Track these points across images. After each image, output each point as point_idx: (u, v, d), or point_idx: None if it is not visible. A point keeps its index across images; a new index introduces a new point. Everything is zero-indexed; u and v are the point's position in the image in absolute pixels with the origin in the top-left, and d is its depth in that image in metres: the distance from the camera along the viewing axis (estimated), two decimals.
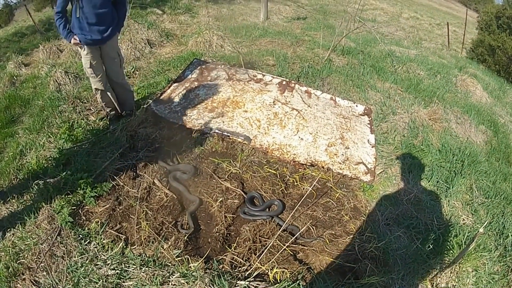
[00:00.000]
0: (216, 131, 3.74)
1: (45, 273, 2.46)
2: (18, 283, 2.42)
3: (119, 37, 5.33)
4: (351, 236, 2.97)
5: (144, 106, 4.09)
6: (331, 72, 5.35)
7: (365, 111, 4.47)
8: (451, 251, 2.97)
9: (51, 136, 3.87)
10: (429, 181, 3.73)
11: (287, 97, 4.28)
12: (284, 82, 4.54)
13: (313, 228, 3.01)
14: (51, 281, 2.40)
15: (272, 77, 4.65)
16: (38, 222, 2.81)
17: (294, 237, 2.82)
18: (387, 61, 6.32)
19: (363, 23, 6.12)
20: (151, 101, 4.16)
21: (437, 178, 3.77)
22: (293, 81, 4.63)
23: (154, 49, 5.84)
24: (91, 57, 3.51)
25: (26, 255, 2.57)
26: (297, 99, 4.29)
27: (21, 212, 2.93)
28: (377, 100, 4.89)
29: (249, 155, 3.62)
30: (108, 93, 3.80)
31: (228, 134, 3.71)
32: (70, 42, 3.40)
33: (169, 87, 4.44)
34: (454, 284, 2.75)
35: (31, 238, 2.69)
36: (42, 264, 2.51)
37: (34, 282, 2.41)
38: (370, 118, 4.36)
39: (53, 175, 3.23)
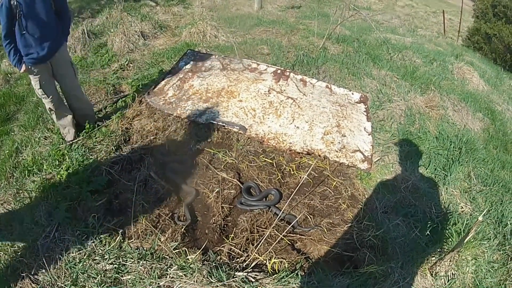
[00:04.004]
0: (211, 121, 3.71)
1: (43, 271, 2.44)
2: (19, 282, 2.40)
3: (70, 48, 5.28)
4: (349, 225, 2.97)
5: (138, 98, 4.03)
6: (326, 60, 5.30)
7: (361, 99, 4.44)
8: (450, 239, 2.98)
9: (46, 132, 3.82)
10: (426, 169, 3.72)
11: (282, 86, 4.24)
12: (279, 71, 4.50)
13: (310, 217, 3.01)
14: (50, 278, 2.40)
15: (267, 66, 4.61)
16: (35, 219, 2.78)
17: (291, 225, 2.81)
18: (382, 49, 6.25)
19: (357, 10, 6.05)
20: (145, 93, 4.10)
21: (434, 165, 3.77)
22: (288, 70, 4.59)
23: (147, 41, 5.76)
24: (40, 77, 3.26)
25: (25, 253, 2.56)
26: (292, 87, 4.25)
27: (18, 209, 2.90)
28: (373, 88, 4.85)
29: (245, 144, 3.59)
30: (64, 114, 3.59)
31: (223, 124, 3.68)
32: (20, 71, 3.17)
33: (163, 79, 4.39)
34: (453, 273, 2.75)
35: (29, 235, 2.66)
36: (41, 262, 2.48)
37: (33, 280, 2.40)
38: (366, 106, 4.34)
39: (49, 172, 3.21)
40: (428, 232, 3.01)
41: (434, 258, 2.83)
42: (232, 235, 2.78)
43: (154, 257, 2.52)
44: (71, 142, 3.59)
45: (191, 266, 2.42)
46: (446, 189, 3.55)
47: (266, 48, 5.56)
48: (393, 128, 4.18)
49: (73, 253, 2.53)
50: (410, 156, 3.82)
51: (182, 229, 2.76)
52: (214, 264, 2.45)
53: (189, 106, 3.91)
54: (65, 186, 3.04)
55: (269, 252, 2.62)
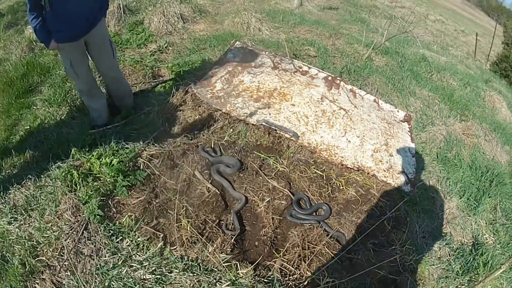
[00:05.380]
0: (263, 123, 3.54)
1: (69, 273, 2.18)
2: (37, 282, 2.15)
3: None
4: (393, 247, 2.92)
5: (182, 86, 3.82)
6: (372, 72, 5.22)
7: (405, 118, 4.36)
8: (477, 270, 3.03)
9: (75, 111, 3.56)
10: (461, 198, 3.72)
11: (335, 95, 4.11)
12: (329, 78, 4.36)
13: (358, 236, 2.89)
14: (77, 282, 2.13)
15: (318, 70, 4.46)
16: (59, 212, 2.48)
17: (346, 249, 2.72)
18: (421, 66, 6.23)
19: (410, 30, 5.98)
20: (191, 83, 3.90)
21: (468, 195, 3.77)
22: (338, 78, 4.46)
23: (187, 24, 5.53)
24: (72, 56, 2.92)
25: (46, 251, 2.29)
26: (344, 98, 4.13)
27: (39, 198, 2.60)
28: (417, 108, 4.81)
29: (295, 152, 3.45)
30: (96, 97, 3.31)
31: (276, 128, 3.52)
32: (48, 48, 2.82)
33: (210, 69, 4.19)
34: None
35: (51, 231, 2.38)
36: (66, 263, 2.22)
37: (55, 283, 2.15)
38: (410, 126, 4.26)
39: (77, 158, 2.85)
40: (460, 261, 3.04)
41: (463, 286, 2.86)
42: (283, 250, 2.63)
43: (201, 269, 2.29)
44: (103, 128, 3.27)
45: (241, 281, 2.24)
46: (476, 219, 3.56)
47: (312, 49, 5.43)
48: (433, 152, 4.16)
49: (105, 256, 2.27)
50: (448, 182, 3.82)
51: (232, 240, 2.56)
52: (266, 280, 2.31)
53: (239, 103, 3.74)
54: (96, 177, 2.73)
55: (322, 271, 2.51)
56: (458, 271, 2.94)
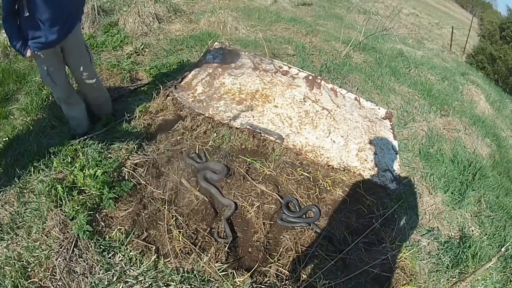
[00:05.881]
0: (247, 126, 3.46)
1: None
2: None
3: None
4: (383, 245, 2.94)
5: (162, 90, 3.69)
6: (352, 70, 5.22)
7: (387, 115, 4.37)
8: (466, 262, 3.08)
9: (54, 120, 3.39)
10: (445, 192, 3.78)
11: (316, 95, 4.07)
12: (310, 77, 4.32)
13: (348, 236, 2.91)
14: None
15: (298, 70, 4.42)
16: (47, 229, 2.37)
17: (344, 251, 2.68)
18: (399, 61, 6.29)
19: (390, 28, 6.01)
20: (172, 87, 3.77)
21: (452, 189, 3.83)
22: (319, 77, 4.43)
23: (162, 24, 5.38)
24: (49, 63, 2.79)
25: (37, 271, 2.17)
26: (326, 97, 4.10)
27: (24, 215, 2.46)
28: (397, 105, 4.85)
29: (281, 154, 3.40)
30: (75, 104, 3.16)
31: (260, 131, 3.45)
32: (24, 56, 2.65)
33: (190, 72, 4.06)
34: None
35: (40, 250, 2.26)
36: (60, 283, 2.12)
37: None
38: (392, 123, 4.28)
39: (59, 170, 2.73)
40: (449, 254, 3.11)
41: (454, 279, 2.92)
42: (277, 255, 2.61)
43: (198, 280, 2.24)
44: (83, 137, 3.09)
45: None
46: (461, 213, 3.63)
47: (290, 48, 5.40)
48: (415, 148, 4.21)
49: (99, 273, 2.18)
50: (432, 178, 3.87)
51: (226, 248, 2.51)
52: (263, 286, 2.30)
53: (222, 106, 3.64)
54: (81, 190, 2.61)
55: (318, 274, 2.51)
56: (448, 264, 3.02)
